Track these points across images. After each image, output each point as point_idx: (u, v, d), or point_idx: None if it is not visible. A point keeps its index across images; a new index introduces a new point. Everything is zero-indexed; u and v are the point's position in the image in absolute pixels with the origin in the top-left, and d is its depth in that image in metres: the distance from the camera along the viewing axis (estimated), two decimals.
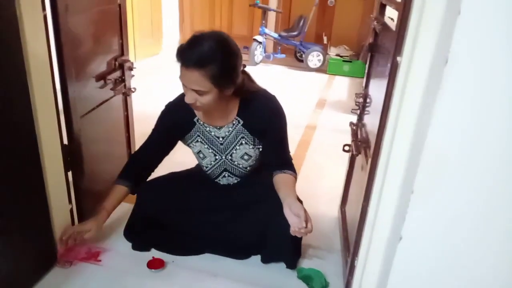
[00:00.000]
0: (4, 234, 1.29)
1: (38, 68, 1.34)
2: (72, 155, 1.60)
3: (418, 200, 0.86)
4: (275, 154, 1.61)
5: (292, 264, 1.62)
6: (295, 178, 1.62)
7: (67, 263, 1.54)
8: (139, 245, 1.68)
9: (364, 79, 1.72)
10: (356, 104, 1.76)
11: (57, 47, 1.43)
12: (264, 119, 1.55)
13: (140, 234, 1.69)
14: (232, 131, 1.59)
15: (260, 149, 1.63)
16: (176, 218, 1.68)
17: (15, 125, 1.28)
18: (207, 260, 1.64)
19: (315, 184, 2.34)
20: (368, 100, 1.68)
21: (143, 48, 4.72)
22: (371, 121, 1.45)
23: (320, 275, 1.56)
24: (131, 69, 1.94)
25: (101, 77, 1.74)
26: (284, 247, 1.58)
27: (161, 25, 5.11)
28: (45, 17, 1.34)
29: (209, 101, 1.40)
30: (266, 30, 5.16)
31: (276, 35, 5.24)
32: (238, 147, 1.61)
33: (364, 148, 1.54)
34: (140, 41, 4.65)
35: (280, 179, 1.58)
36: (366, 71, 1.71)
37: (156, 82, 4.16)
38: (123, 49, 1.90)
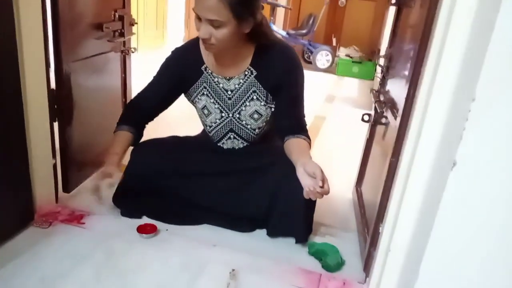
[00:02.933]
0: None
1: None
2: (60, 103, 1.42)
3: (480, 109, 0.67)
4: (289, 114, 1.43)
5: (302, 238, 1.41)
6: (309, 144, 1.44)
7: (46, 223, 1.35)
8: (129, 211, 1.48)
9: (389, 37, 1.56)
10: (378, 65, 1.59)
11: None
12: (280, 70, 1.38)
13: (131, 198, 1.49)
14: (243, 84, 1.41)
15: (273, 109, 1.45)
16: (172, 181, 1.48)
17: None
18: (206, 230, 1.44)
19: (325, 169, 2.16)
20: (392, 62, 1.51)
21: (146, 40, 4.58)
22: (400, 73, 1.27)
23: (335, 250, 1.36)
24: (132, 24, 1.78)
25: (98, 26, 1.58)
26: (294, 217, 1.38)
27: (166, 18, 4.99)
28: None
29: (225, 36, 1.23)
30: (274, 27, 5.02)
31: (284, 33, 5.10)
32: (248, 103, 1.43)
33: (390, 107, 1.37)
34: (143, 32, 4.52)
35: (293, 143, 1.40)
36: (391, 28, 1.54)
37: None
38: (124, 2, 1.75)
